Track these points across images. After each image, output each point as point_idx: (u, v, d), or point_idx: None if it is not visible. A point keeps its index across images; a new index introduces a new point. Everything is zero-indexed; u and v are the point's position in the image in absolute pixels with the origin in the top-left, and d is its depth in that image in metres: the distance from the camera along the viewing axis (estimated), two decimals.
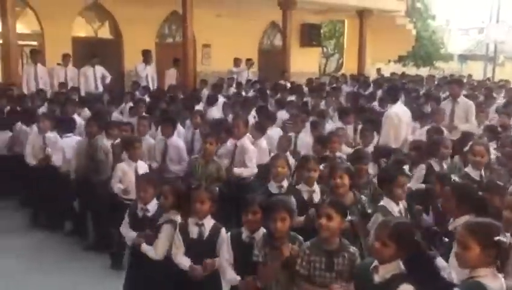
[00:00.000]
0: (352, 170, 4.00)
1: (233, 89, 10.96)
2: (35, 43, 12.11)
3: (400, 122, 6.21)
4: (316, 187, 4.08)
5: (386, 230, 2.60)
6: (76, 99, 8.33)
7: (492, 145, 5.51)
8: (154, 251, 3.59)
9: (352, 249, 2.95)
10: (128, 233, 3.87)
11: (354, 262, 2.90)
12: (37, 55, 10.51)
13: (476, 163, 4.45)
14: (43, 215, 6.38)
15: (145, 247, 3.65)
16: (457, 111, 6.81)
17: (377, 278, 2.59)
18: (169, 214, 3.64)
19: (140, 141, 5.30)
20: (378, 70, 17.24)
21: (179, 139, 6.09)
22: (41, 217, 6.35)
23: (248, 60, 13.48)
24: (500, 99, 10.41)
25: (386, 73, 16.72)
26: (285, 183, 4.33)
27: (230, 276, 3.22)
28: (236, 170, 5.48)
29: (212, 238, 3.42)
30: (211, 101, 8.77)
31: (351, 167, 4.10)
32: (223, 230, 3.44)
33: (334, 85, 12.23)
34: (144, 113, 7.26)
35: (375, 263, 2.64)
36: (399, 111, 6.30)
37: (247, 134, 5.84)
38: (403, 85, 12.10)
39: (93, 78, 10.67)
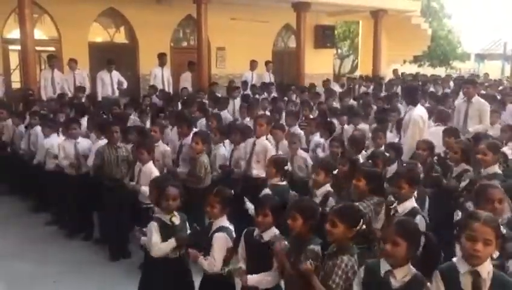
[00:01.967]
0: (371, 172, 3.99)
1: (247, 92, 10.97)
2: (52, 48, 12.31)
3: (424, 125, 6.10)
4: None
5: (392, 230, 2.59)
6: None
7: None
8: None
9: (341, 258, 2.84)
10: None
11: (334, 268, 2.82)
12: (54, 60, 10.66)
13: (478, 161, 4.40)
14: (61, 220, 6.47)
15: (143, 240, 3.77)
16: (471, 112, 6.68)
17: (395, 283, 2.55)
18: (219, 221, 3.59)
19: (143, 147, 5.25)
20: (395, 71, 17.05)
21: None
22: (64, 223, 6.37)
23: (268, 62, 13.48)
24: None
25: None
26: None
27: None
28: (256, 172, 5.47)
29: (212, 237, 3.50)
30: (223, 104, 8.81)
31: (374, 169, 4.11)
32: (218, 234, 3.45)
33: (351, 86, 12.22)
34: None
35: (387, 266, 2.59)
36: (423, 114, 6.14)
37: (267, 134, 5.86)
38: (421, 86, 11.99)
39: (110, 83, 10.80)
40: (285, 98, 10.18)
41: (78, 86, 10.14)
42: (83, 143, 6.14)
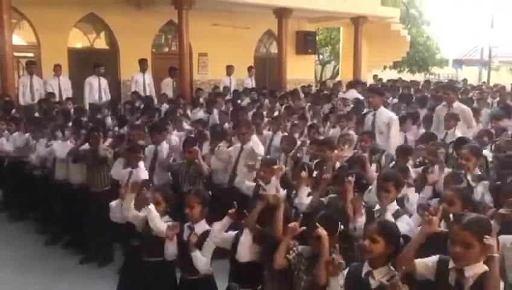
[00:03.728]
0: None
1: (228, 97, 10.98)
2: (31, 54, 12.13)
3: None
4: None
5: (372, 227, 2.69)
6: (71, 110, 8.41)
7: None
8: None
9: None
10: None
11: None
12: (32, 66, 10.51)
13: (461, 166, 4.48)
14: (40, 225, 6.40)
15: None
16: None
17: (374, 283, 2.61)
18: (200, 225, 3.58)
19: (134, 150, 5.23)
20: (375, 76, 17.31)
21: (166, 146, 6.02)
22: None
23: (250, 67, 13.56)
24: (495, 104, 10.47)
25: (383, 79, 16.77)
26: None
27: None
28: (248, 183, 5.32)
29: (199, 242, 3.47)
30: (210, 108, 8.80)
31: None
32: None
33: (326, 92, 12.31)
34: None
35: (367, 267, 2.66)
36: None
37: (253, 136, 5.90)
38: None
39: (98, 88, 10.67)
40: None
41: (49, 92, 10.01)
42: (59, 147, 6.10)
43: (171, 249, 3.52)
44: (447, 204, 3.25)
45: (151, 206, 3.68)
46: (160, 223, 3.62)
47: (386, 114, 6.55)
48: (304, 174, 4.21)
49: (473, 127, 6.81)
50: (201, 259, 3.40)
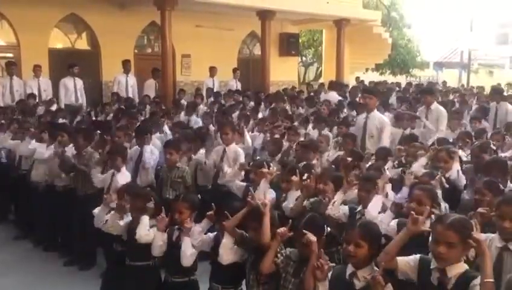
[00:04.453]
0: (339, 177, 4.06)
1: (211, 99, 10.97)
2: (11, 55, 11.93)
3: None
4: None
5: (355, 232, 2.69)
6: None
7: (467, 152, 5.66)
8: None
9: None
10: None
11: None
12: (12, 67, 10.35)
13: (439, 168, 4.54)
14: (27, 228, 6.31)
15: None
16: (430, 118, 6.97)
17: (358, 283, 2.64)
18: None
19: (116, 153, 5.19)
20: (357, 78, 17.48)
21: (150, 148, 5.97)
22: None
23: (235, 69, 13.57)
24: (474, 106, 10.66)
25: (365, 81, 16.93)
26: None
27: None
28: (238, 183, 5.23)
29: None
30: (190, 110, 8.78)
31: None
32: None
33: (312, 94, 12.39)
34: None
35: (351, 269, 2.68)
36: None
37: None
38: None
39: (74, 89, 10.54)
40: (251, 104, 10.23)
41: (30, 94, 9.88)
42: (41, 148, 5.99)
43: (160, 243, 3.51)
44: (416, 204, 3.25)
45: (145, 218, 3.67)
46: (147, 235, 3.61)
47: (378, 118, 6.33)
48: (295, 178, 4.20)
49: (439, 131, 6.82)
50: (190, 247, 3.39)
